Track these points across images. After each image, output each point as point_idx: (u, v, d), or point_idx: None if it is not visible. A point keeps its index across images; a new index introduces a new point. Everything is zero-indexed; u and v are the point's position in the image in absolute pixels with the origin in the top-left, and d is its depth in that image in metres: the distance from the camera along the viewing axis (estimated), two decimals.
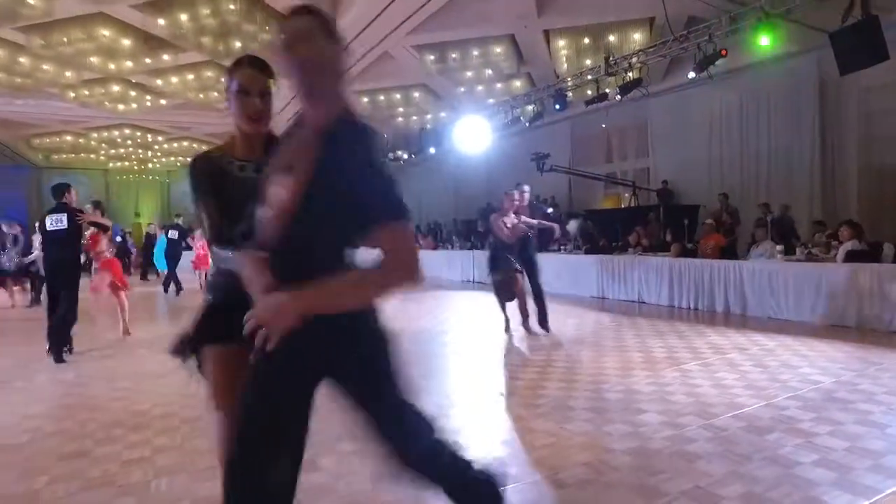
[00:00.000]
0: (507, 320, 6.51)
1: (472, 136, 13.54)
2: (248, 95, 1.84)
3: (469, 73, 12.00)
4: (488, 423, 3.58)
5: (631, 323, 7.12)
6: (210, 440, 2.52)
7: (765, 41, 7.89)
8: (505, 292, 6.35)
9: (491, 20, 10.17)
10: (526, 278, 6.45)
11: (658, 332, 6.44)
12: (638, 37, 10.33)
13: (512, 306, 6.38)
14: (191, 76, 12.24)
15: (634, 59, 9.79)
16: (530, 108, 12.19)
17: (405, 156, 18.39)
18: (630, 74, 9.88)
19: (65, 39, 9.91)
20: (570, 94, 11.19)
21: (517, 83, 12.87)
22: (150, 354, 5.84)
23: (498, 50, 11.10)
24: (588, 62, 10.87)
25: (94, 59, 10.85)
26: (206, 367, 1.88)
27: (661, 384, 4.27)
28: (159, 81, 12.49)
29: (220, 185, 1.84)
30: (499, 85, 12.97)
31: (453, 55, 11.24)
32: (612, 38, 10.40)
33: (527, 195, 6.63)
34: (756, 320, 7.04)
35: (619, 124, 13.47)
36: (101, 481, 2.82)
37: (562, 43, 10.80)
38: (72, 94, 12.83)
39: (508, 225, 6.23)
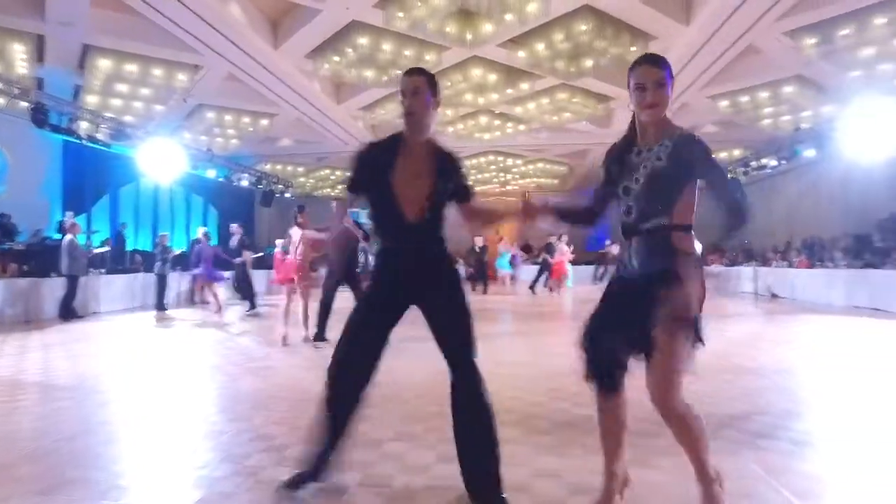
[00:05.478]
0: None
1: (869, 131, 10.88)
2: (643, 90, 2.03)
3: (868, 51, 9.61)
4: None
5: None
6: None
7: None
8: None
9: None
10: None
11: None
12: None
13: None
14: (545, 100, 13.07)
15: None
16: None
17: (772, 162, 15.97)
18: None
19: (448, 83, 11.72)
20: None
21: None
22: None
23: None
24: None
25: (468, 97, 12.62)
26: None
27: None
28: (518, 109, 13.73)
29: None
30: None
31: (843, 32, 9.16)
32: None
33: None
34: None
35: None
36: None
37: None
38: (450, 129, 15.12)
39: None
